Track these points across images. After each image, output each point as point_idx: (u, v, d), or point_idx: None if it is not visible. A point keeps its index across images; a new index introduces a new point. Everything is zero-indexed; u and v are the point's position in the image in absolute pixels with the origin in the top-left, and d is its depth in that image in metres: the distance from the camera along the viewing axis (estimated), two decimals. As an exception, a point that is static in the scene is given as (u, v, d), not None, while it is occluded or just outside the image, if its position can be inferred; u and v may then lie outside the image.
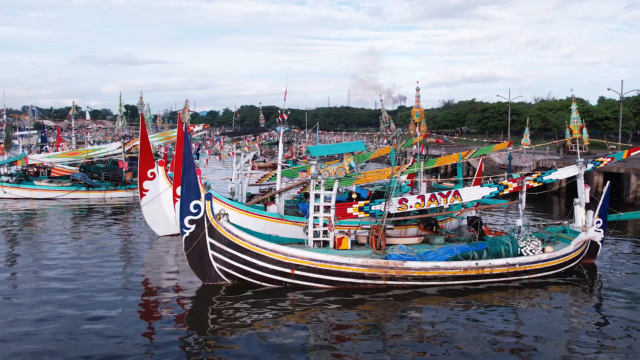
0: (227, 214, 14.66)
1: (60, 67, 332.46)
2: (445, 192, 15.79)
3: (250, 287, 14.35)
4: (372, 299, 13.63)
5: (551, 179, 16.35)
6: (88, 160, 35.82)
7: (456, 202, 15.94)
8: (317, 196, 15.17)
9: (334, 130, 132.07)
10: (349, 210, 15.30)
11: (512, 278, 14.93)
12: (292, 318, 12.44)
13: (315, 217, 15.15)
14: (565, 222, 17.45)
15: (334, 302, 13.38)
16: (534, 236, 15.72)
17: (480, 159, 23.70)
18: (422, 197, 15.58)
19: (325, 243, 15.23)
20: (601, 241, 16.78)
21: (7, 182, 31.53)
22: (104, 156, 35.09)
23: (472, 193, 16.01)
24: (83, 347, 10.64)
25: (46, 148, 44.50)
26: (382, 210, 15.22)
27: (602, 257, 17.59)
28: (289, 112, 19.66)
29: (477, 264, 14.58)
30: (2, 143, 32.62)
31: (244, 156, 22.35)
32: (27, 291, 14.17)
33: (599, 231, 16.45)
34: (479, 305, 13.35)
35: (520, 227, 16.14)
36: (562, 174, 16.50)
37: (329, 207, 15.09)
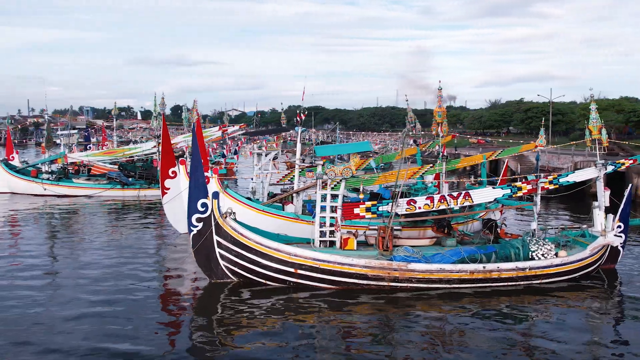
0: (234, 213, 14.86)
1: (115, 69, 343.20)
2: (455, 194, 15.51)
3: (255, 285, 14.50)
4: (376, 301, 13.56)
5: (568, 181, 15.80)
6: (129, 159, 36.88)
7: (467, 203, 15.61)
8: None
9: (378, 130, 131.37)
10: (356, 210, 15.22)
11: (522, 282, 14.54)
12: (296, 318, 12.50)
13: (322, 217, 15.18)
14: (584, 225, 16.83)
15: (339, 303, 13.38)
16: (547, 240, 15.25)
17: (506, 160, 23.14)
18: (431, 198, 15.35)
19: (333, 243, 15.23)
20: (622, 246, 16.11)
21: (48, 179, 32.85)
22: (143, 155, 36.04)
23: (483, 195, 15.68)
24: (91, 341, 10.98)
25: (90, 147, 46.15)
26: (390, 211, 15.08)
27: (624, 262, 16.89)
28: (306, 112, 19.73)
29: (484, 267, 14.27)
30: (43, 142, 33.98)
31: (265, 155, 22.57)
32: (46, 286, 14.78)
33: (620, 236, 15.80)
34: (487, 310, 13.10)
35: (534, 230, 15.68)
36: (580, 176, 15.93)
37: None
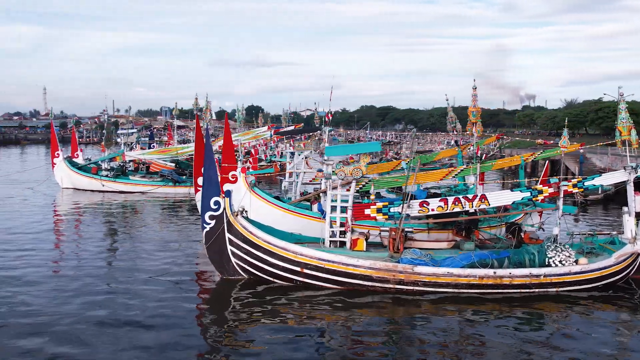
0: (245, 211, 15.15)
1: (197, 70, 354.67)
2: (470, 196, 15.05)
3: (264, 283, 14.71)
4: (382, 303, 13.44)
5: (594, 185, 14.96)
6: (188, 157, 38.17)
7: (484, 205, 15.09)
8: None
9: (496, 130, 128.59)
10: (367, 211, 15.09)
11: (536, 290, 13.90)
12: (301, 318, 12.61)
13: (337, 217, 15.19)
14: (614, 232, 15.85)
15: (344, 303, 13.36)
16: (568, 246, 14.49)
17: (547, 162, 22.12)
18: (445, 200, 14.96)
19: (343, 243, 15.20)
20: (656, 255, 15.04)
21: (106, 176, 34.62)
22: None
23: (501, 197, 15.10)
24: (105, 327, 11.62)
25: (153, 145, 48.13)
26: (401, 212, 14.85)
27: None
28: (332, 113, 19.75)
29: (495, 272, 13.77)
30: (103, 141, 35.83)
31: (299, 154, 22.75)
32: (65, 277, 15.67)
33: (652, 244, 14.77)
34: (498, 318, 12.66)
35: (556, 235, 14.93)
36: (607, 179, 15.04)
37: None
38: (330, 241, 15.29)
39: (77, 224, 24.55)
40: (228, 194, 14.98)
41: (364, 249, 14.90)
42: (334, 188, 15.14)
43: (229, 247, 14.90)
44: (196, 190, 21.81)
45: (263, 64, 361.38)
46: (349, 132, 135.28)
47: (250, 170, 29.81)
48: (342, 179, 14.93)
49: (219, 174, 16.63)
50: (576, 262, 14.13)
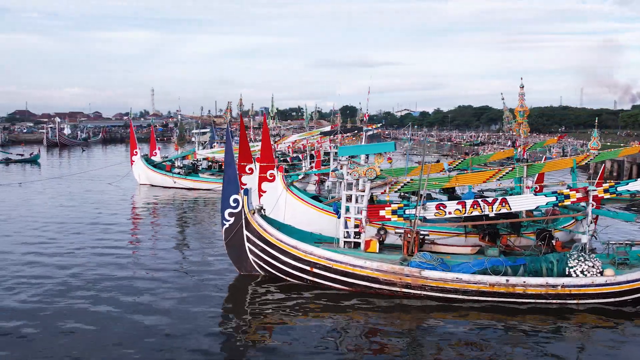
0: (263, 209, 15.44)
1: (300, 71, 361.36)
2: (490, 200, 14.37)
3: (279, 281, 14.94)
4: (392, 306, 13.27)
5: (629, 190, 13.76)
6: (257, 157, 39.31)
7: (504, 210, 14.33)
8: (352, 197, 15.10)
9: (547, 131, 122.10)
10: (382, 212, 14.85)
11: (553, 301, 13.03)
12: (308, 316, 12.75)
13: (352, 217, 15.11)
14: (655, 243, 14.48)
15: (353, 304, 13.34)
16: (594, 256, 13.45)
17: (603, 164, 20.49)
18: (463, 204, 14.39)
19: (358, 244, 15.09)
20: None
21: (178, 173, 36.42)
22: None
23: (523, 202, 14.30)
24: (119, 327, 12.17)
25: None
26: (416, 214, 14.48)
27: None
28: (368, 113, 19.53)
29: (507, 280, 13.06)
30: (176, 140, 37.67)
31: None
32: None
33: (697, 257, 13.37)
34: (506, 327, 12.09)
35: (584, 244, 13.90)
36: (642, 184, 13.78)
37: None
38: (345, 242, 15.23)
39: (143, 217, 26.35)
40: (246, 192, 15.33)
41: (377, 251, 14.70)
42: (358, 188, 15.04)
43: (247, 244, 15.25)
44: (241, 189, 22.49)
45: (366, 64, 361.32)
46: (440, 133, 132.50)
47: (314, 169, 30.12)
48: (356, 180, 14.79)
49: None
50: (601, 273, 13.08)
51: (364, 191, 19.95)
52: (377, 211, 14.87)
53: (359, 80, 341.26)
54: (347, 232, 15.18)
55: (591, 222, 18.03)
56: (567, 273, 13.12)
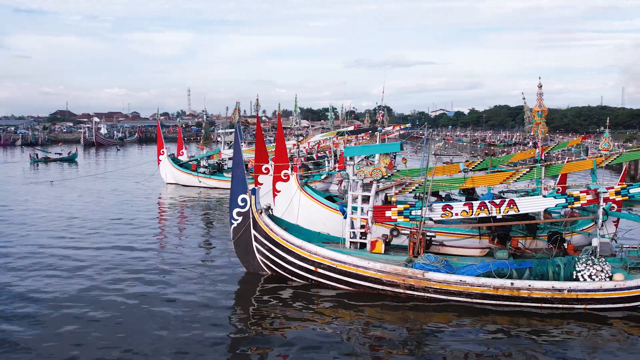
0: (270, 208, 15.54)
1: (336, 71, 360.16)
2: (498, 201, 14.13)
3: (285, 280, 15.00)
4: (397, 307, 13.19)
5: (642, 193, 13.33)
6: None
7: (512, 212, 14.07)
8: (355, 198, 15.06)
9: (584, 131, 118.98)
10: (388, 213, 14.76)
11: (559, 305, 12.72)
12: (315, 316, 12.80)
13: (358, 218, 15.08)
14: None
15: (357, 305, 13.31)
16: (604, 260, 13.07)
17: (625, 166, 19.88)
18: (470, 205, 14.19)
19: (364, 245, 15.04)
20: None
21: (203, 173, 36.91)
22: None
23: (531, 204, 14.00)
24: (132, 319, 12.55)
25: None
26: (422, 215, 14.35)
27: None
28: (383, 113, 19.39)
29: (512, 283, 12.82)
30: (201, 140, 38.16)
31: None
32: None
33: None
34: (510, 331, 11.88)
35: (595, 247, 13.53)
36: (658, 187, 13.31)
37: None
38: (351, 242, 15.20)
39: (166, 215, 26.91)
40: (254, 191, 15.45)
41: (382, 252, 14.62)
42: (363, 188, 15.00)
43: (254, 243, 15.36)
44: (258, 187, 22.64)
45: (401, 64, 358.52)
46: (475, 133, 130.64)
47: (337, 169, 30.12)
48: (362, 179, 14.75)
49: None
50: (610, 277, 12.71)
51: (376, 191, 19.89)
52: (383, 212, 14.79)
53: (394, 80, 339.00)
54: (354, 232, 15.14)
55: (603, 225, 17.62)
56: (574, 277, 12.80)
